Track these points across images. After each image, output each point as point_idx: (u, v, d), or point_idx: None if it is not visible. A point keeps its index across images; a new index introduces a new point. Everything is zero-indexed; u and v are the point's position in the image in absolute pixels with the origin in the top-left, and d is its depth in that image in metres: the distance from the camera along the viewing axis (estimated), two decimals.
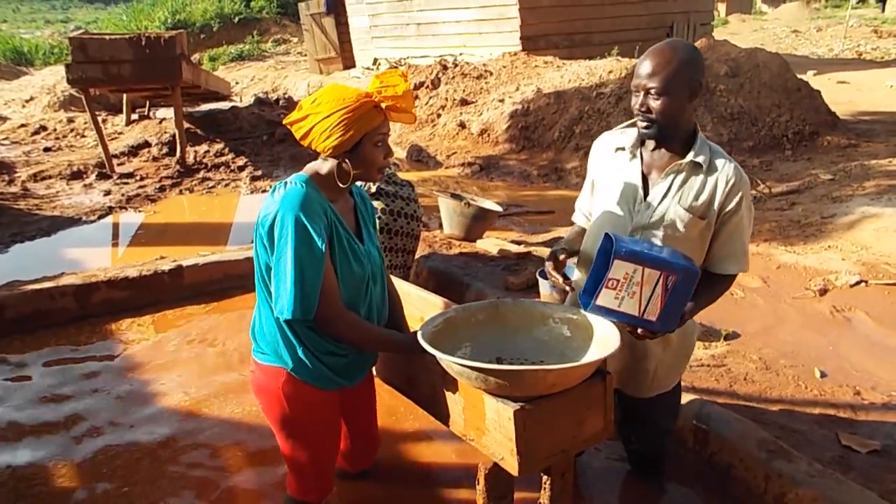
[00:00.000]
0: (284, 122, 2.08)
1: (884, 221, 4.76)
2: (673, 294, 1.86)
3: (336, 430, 2.31)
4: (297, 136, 2.02)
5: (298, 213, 1.91)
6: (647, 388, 2.31)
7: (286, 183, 2.01)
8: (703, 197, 2.06)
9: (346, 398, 2.30)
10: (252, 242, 2.11)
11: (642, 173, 2.14)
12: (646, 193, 2.12)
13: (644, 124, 2.05)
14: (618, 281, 1.82)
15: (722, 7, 25.81)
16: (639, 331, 1.95)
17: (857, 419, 2.86)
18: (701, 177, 2.07)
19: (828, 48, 17.56)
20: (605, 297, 1.85)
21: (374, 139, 2.01)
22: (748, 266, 2.17)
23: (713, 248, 2.14)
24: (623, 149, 2.18)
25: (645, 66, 2.00)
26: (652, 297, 1.86)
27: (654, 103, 1.99)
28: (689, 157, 2.06)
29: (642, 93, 2.01)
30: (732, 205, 2.06)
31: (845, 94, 10.23)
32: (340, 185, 2.03)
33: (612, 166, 2.21)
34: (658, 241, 2.06)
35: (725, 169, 2.06)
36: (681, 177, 2.08)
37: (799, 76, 8.50)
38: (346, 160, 2.00)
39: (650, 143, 2.13)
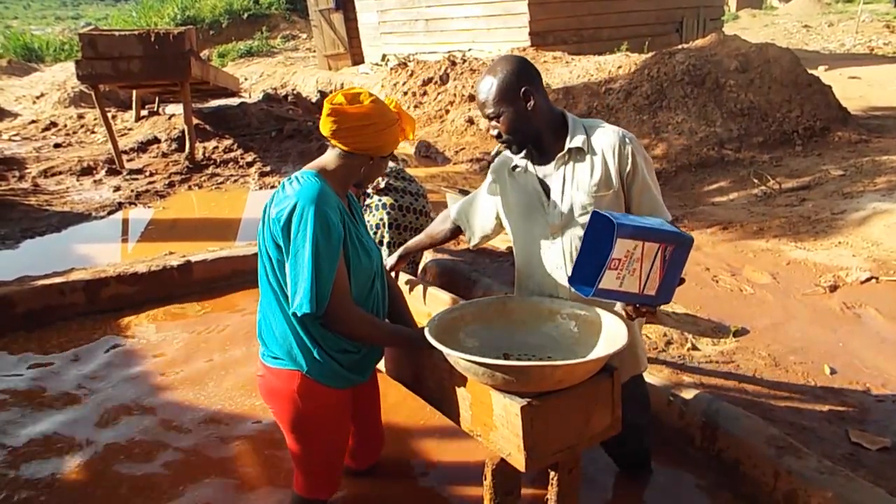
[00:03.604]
0: (333, 106, 2.01)
1: (894, 217, 4.73)
2: (671, 265, 1.84)
3: (346, 428, 2.32)
4: (347, 124, 2.00)
5: (318, 203, 1.93)
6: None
7: (297, 178, 2.02)
8: (597, 174, 2.14)
9: (353, 396, 2.30)
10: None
11: (539, 179, 2.23)
12: (548, 195, 2.21)
13: (504, 146, 2.22)
14: (619, 260, 1.79)
15: (732, 2, 25.65)
16: (640, 308, 1.94)
17: (867, 416, 2.84)
18: (587, 158, 2.15)
19: (839, 43, 17.41)
20: (608, 280, 1.80)
21: (387, 157, 2.20)
22: (669, 214, 2.21)
23: (633, 210, 2.19)
24: (517, 166, 2.29)
25: (478, 97, 2.17)
26: (651, 272, 1.83)
27: (498, 125, 2.14)
28: (567, 144, 2.16)
29: (489, 120, 2.17)
30: (629, 166, 2.14)
31: (857, 90, 10.14)
32: (367, 182, 2.19)
33: (513, 186, 2.32)
34: (579, 231, 2.12)
35: (605, 139, 2.15)
36: (569, 166, 2.17)
37: (810, 71, 8.43)
38: (372, 159, 2.11)
39: (534, 152, 2.24)
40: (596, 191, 2.13)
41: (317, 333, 2.04)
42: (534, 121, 2.14)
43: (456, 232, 2.65)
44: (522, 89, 2.09)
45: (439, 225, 2.68)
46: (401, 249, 2.68)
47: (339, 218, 1.98)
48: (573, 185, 2.16)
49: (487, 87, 2.12)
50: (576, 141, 2.15)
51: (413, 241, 2.73)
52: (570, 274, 2.02)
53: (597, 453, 2.73)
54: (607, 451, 2.59)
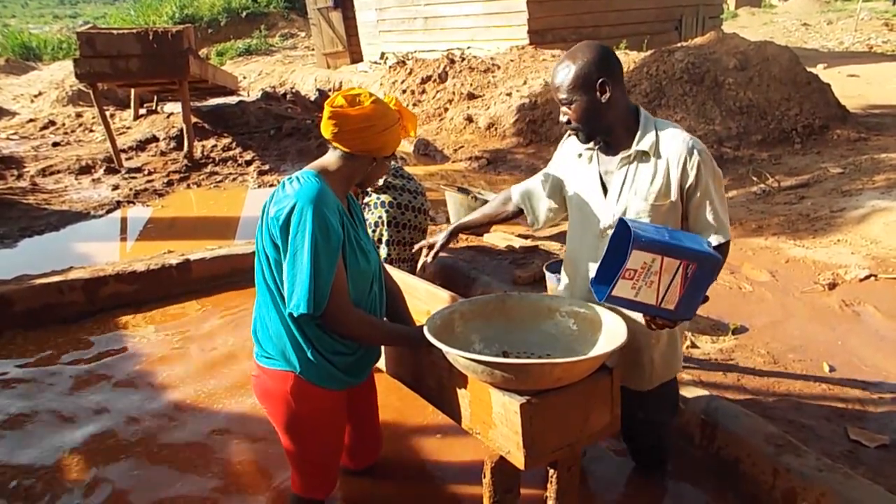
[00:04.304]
0: (334, 109, 1.99)
1: (894, 215, 4.73)
2: (693, 282, 1.81)
3: (341, 429, 2.31)
4: (348, 127, 1.99)
5: (318, 204, 1.91)
6: (648, 380, 2.31)
7: (298, 178, 2.01)
8: (658, 181, 2.08)
9: (349, 396, 2.30)
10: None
11: (600, 175, 2.20)
12: (606, 192, 2.18)
13: (573, 133, 2.19)
14: (635, 271, 1.76)
15: (731, 0, 25.64)
16: (657, 320, 1.93)
17: (865, 414, 2.84)
18: (651, 161, 2.10)
19: (838, 41, 17.42)
20: (621, 288, 1.79)
21: (390, 157, 2.18)
22: (729, 233, 2.14)
23: (689, 224, 2.15)
24: (581, 154, 2.26)
25: (553, 80, 2.11)
26: (671, 286, 1.80)
27: (569, 112, 2.09)
28: (634, 146, 2.11)
29: (560, 105, 2.12)
30: (692, 178, 2.06)
31: (855, 88, 10.15)
32: (368, 183, 2.19)
33: (575, 172, 2.29)
34: None
35: (673, 147, 2.08)
36: (632, 166, 2.12)
37: (809, 69, 8.44)
38: (375, 160, 2.10)
39: (601, 143, 2.19)
40: (654, 199, 2.08)
41: (311, 334, 2.03)
42: (607, 114, 2.08)
43: (518, 214, 2.54)
44: (600, 80, 2.02)
45: (500, 206, 2.56)
46: (454, 225, 2.56)
47: (338, 220, 1.97)
48: (632, 189, 2.11)
49: (565, 72, 2.05)
50: (644, 143, 2.09)
51: (469, 219, 2.61)
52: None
53: (597, 451, 2.74)
54: (629, 443, 2.61)
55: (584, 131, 2.12)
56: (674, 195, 2.08)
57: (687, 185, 2.07)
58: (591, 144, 2.20)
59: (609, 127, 2.12)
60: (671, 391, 2.45)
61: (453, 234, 2.53)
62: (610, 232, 2.10)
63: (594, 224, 2.20)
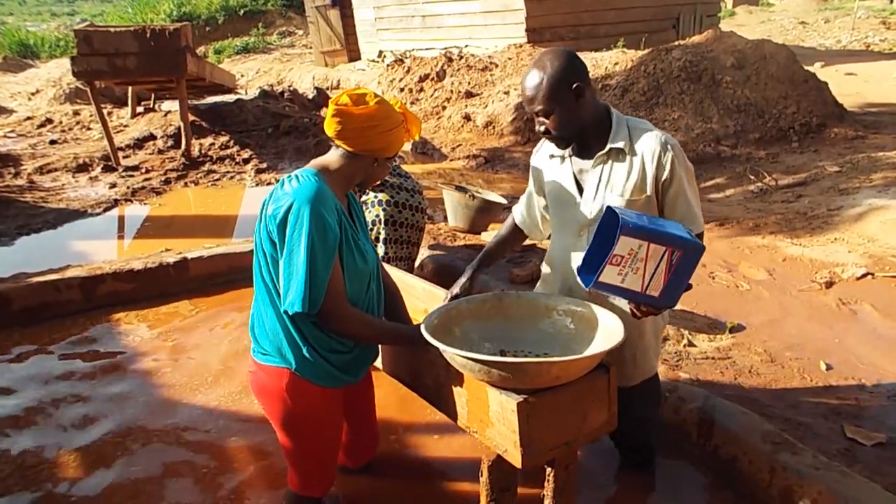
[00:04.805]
0: (338, 107, 1.99)
1: (891, 213, 4.74)
2: (677, 269, 1.84)
3: (338, 427, 2.31)
4: (351, 125, 1.99)
5: (315, 204, 1.91)
6: (630, 376, 2.32)
7: (297, 176, 2.01)
8: (633, 177, 2.10)
9: (346, 394, 2.30)
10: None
11: (573, 175, 2.21)
12: (581, 191, 2.19)
13: (553, 143, 2.18)
14: (622, 257, 1.79)
15: None
16: (641, 307, 1.94)
17: (862, 412, 2.85)
18: (626, 160, 2.11)
19: (835, 40, 17.42)
20: (608, 274, 1.81)
21: (392, 158, 2.18)
22: (702, 225, 2.17)
23: (664, 217, 2.15)
24: (554, 156, 2.28)
25: (525, 93, 2.10)
26: (655, 273, 1.83)
27: (546, 121, 2.09)
28: (609, 145, 2.12)
29: (535, 117, 2.11)
30: (666, 173, 2.09)
31: (853, 86, 10.16)
32: (369, 183, 2.19)
33: (550, 174, 2.30)
34: None
35: (647, 143, 2.10)
36: (607, 165, 2.14)
37: (806, 68, 8.45)
38: (377, 161, 2.10)
39: (575, 146, 2.20)
40: (630, 195, 2.09)
41: (308, 332, 2.03)
42: (582, 117, 2.09)
43: (525, 235, 2.59)
44: (574, 85, 2.03)
45: (511, 235, 2.59)
46: (472, 269, 2.44)
47: (335, 219, 1.97)
48: (608, 187, 2.13)
49: (536, 81, 2.05)
50: (618, 142, 2.11)
51: (490, 254, 2.52)
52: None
53: (595, 450, 2.74)
54: (615, 440, 2.61)
55: (565, 138, 2.13)
56: (649, 190, 2.11)
57: (662, 179, 2.10)
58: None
59: (584, 129, 2.13)
60: (654, 385, 2.47)
61: (474, 279, 2.44)
62: (587, 231, 2.15)
63: (571, 224, 2.22)
